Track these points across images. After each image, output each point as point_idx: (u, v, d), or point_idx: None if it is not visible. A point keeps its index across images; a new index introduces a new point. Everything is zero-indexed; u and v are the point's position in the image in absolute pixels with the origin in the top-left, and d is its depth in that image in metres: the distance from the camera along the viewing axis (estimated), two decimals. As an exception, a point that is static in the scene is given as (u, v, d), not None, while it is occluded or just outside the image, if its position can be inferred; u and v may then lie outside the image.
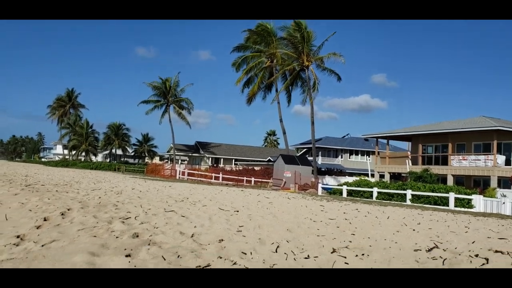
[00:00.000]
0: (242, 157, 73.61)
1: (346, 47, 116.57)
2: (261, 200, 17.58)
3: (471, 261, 6.29)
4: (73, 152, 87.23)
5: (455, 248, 7.32)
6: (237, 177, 44.24)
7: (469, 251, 7.07)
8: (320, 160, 59.21)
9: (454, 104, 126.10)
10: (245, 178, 43.74)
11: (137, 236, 8.09)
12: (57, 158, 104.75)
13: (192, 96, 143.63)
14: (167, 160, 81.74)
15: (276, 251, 7.24)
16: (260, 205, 15.04)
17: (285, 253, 7.08)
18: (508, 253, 6.75)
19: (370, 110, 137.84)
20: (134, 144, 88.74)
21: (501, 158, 32.74)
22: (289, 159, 38.13)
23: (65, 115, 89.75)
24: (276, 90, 45.92)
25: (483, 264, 6.14)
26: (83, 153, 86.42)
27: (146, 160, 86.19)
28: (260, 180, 43.36)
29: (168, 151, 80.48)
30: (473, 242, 7.96)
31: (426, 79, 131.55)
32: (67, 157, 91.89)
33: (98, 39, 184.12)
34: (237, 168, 57.46)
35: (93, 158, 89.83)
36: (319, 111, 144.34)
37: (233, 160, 72.07)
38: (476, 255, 6.63)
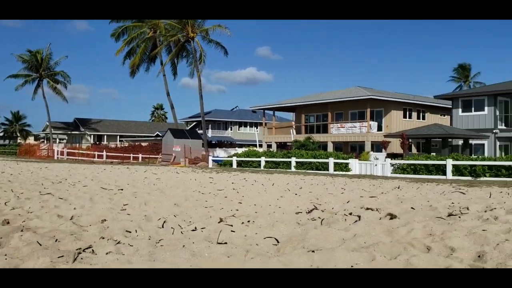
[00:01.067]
0: (128, 133, 70.75)
1: (230, 20, 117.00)
2: (148, 176, 17.09)
3: (345, 219, 6.77)
4: None
5: (332, 208, 7.85)
6: (123, 155, 42.50)
7: (344, 210, 7.62)
8: (210, 133, 59.45)
9: (333, 75, 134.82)
10: (131, 155, 42.19)
11: (8, 222, 7.30)
12: None
13: (69, 69, 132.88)
14: (43, 140, 75.30)
15: (163, 226, 7.08)
16: (147, 181, 14.61)
17: (171, 228, 6.95)
18: (377, 209, 7.41)
19: (256, 83, 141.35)
20: (2, 124, 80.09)
21: (374, 125, 35.93)
22: (178, 133, 37.60)
23: None
24: (161, 63, 44.56)
25: (356, 221, 6.64)
26: None
27: (19, 141, 78.47)
28: (148, 156, 42.19)
29: (43, 130, 74.07)
30: (347, 202, 8.62)
31: (307, 51, 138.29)
32: None
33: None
34: (123, 145, 55.16)
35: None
36: (207, 84, 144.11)
37: (118, 137, 68.96)
38: (350, 213, 7.16)
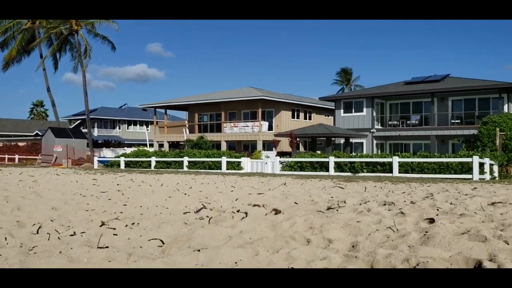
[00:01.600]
0: (3, 132, 64.03)
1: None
2: (23, 179, 15.59)
3: (233, 217, 6.82)
4: None
5: (221, 206, 7.87)
6: (-4, 155, 38.42)
7: (233, 207, 7.68)
8: (96, 132, 56.28)
9: (226, 75, 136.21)
10: (6, 156, 38.30)
11: None
12: None
13: None
14: None
15: (38, 232, 6.48)
16: (21, 184, 13.30)
17: (47, 233, 6.39)
18: (263, 206, 7.59)
19: (147, 80, 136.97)
20: None
21: (265, 124, 37.09)
22: (60, 132, 34.98)
23: None
24: (41, 56, 41.02)
25: (243, 218, 6.73)
26: None
27: None
28: (26, 157, 38.68)
29: None
30: (236, 199, 8.72)
31: (199, 50, 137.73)
32: None
33: None
34: (-3, 145, 49.83)
35: None
36: (93, 80, 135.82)
37: (-9, 136, 62.18)
38: (238, 211, 7.24)
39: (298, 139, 34.84)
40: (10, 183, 13.87)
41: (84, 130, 42.27)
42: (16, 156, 38.58)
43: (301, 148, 38.56)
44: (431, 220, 5.87)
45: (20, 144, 47.85)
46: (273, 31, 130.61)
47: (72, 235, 6.29)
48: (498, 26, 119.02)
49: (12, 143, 49.49)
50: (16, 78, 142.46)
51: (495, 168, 19.57)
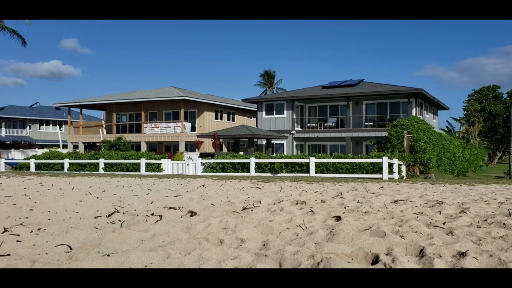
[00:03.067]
0: None
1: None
2: None
3: (147, 220, 6.69)
4: None
5: (135, 210, 7.67)
6: None
7: (147, 211, 7.53)
8: (4, 132, 52.14)
9: (146, 74, 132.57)
10: None
11: None
12: None
13: None
14: None
15: None
16: None
17: None
18: (179, 208, 7.53)
19: (62, 77, 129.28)
20: None
21: (187, 125, 36.72)
22: (-39, 132, 31.95)
23: None
24: None
25: (157, 221, 6.62)
26: None
27: None
28: None
29: None
30: (151, 202, 8.55)
31: (119, 47, 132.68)
32: None
33: None
34: None
35: None
36: (1, 76, 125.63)
37: None
38: (152, 214, 7.12)
39: (221, 140, 34.92)
40: None
41: (-11, 130, 39.01)
42: None
43: (225, 149, 38.70)
44: (338, 218, 6.20)
45: None
46: (198, 30, 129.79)
47: (-33, 244, 5.80)
48: (409, 36, 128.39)
49: None
50: None
51: (403, 168, 21.05)
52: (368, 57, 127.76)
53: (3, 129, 52.23)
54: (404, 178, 20.30)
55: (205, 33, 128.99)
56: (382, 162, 18.44)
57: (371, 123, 34.19)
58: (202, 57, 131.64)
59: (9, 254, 4.99)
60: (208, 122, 38.39)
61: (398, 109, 33.33)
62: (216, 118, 39.56)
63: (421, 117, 31.04)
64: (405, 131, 23.43)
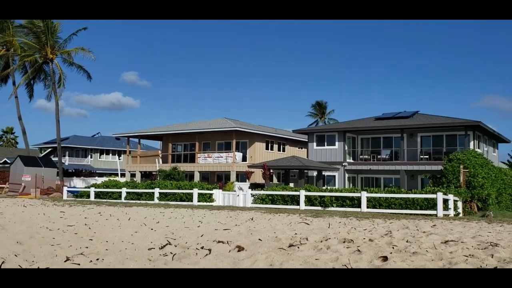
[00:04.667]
0: (-31, 159, 62.19)
1: (97, 42, 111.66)
2: (-12, 210, 15.29)
3: (197, 253, 6.96)
4: None
5: (186, 242, 7.98)
6: (-39, 184, 37.22)
7: (197, 244, 7.81)
8: (67, 160, 55.31)
9: (201, 105, 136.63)
10: (-28, 184, 37.19)
11: None
12: None
13: None
14: None
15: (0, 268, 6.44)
16: (-14, 216, 13.06)
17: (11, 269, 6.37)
18: (227, 242, 7.76)
19: (122, 109, 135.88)
20: None
21: (239, 155, 37.33)
22: (30, 161, 34.33)
23: None
24: (14, 83, 40.59)
25: (207, 254, 6.88)
26: None
27: None
28: (-7, 185, 37.59)
29: None
30: (202, 235, 8.85)
31: (175, 79, 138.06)
32: None
33: None
34: (-38, 173, 48.27)
35: None
36: (66, 107, 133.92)
37: (-43, 163, 60.25)
38: (202, 247, 7.39)
39: (271, 171, 35.14)
40: (-26, 214, 13.59)
41: (55, 159, 41.59)
42: (-17, 184, 37.50)
43: (275, 180, 38.83)
44: (385, 258, 6.17)
45: (-13, 171, 46.54)
46: (250, 63, 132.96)
47: (34, 271, 6.30)
48: (466, 66, 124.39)
49: (-21, 171, 48.10)
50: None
51: (459, 204, 20.22)
52: (422, 90, 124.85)
53: (67, 157, 55.51)
54: (460, 215, 19.48)
55: (258, 63, 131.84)
56: (436, 198, 17.85)
57: (427, 156, 33.16)
58: (254, 87, 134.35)
59: (70, 283, 5.38)
60: (259, 152, 38.85)
61: (455, 142, 32.18)
62: (267, 148, 39.96)
63: (479, 151, 29.79)
64: (461, 166, 22.60)
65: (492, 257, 6.25)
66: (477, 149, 30.03)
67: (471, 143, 30.51)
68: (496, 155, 39.55)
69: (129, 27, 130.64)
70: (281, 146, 42.00)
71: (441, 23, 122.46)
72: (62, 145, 40.65)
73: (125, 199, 25.61)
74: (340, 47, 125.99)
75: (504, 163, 54.17)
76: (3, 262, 6.85)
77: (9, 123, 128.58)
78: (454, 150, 29.89)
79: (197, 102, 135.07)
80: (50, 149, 58.68)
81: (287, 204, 21.74)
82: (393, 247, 7.16)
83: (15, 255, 7.43)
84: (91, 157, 58.82)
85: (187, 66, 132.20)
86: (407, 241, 7.87)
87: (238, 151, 38.00)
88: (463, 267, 5.54)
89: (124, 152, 51.69)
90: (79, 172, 50.23)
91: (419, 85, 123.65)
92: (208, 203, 23.53)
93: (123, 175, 42.27)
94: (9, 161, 50.52)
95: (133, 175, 40.53)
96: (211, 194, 24.67)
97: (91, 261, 6.94)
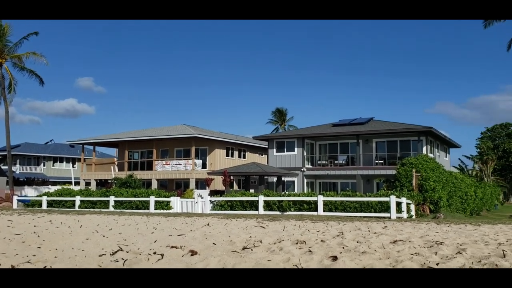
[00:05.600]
0: None
1: (50, 47, 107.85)
2: None
3: (149, 259, 6.85)
4: None
5: (138, 248, 7.84)
6: None
7: (150, 249, 7.69)
8: (18, 169, 53.04)
9: (158, 111, 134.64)
10: None
11: None
12: None
13: None
14: None
15: None
16: None
17: None
18: (181, 247, 7.69)
19: (77, 115, 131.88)
20: None
21: (198, 162, 37.07)
22: (-23, 169, 32.72)
23: None
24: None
25: (159, 259, 6.78)
26: None
27: None
28: None
29: None
30: (155, 241, 8.72)
31: (132, 85, 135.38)
32: None
33: None
34: None
35: None
36: (18, 114, 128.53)
37: None
38: (155, 253, 7.28)
39: (232, 178, 35.10)
40: None
41: (5, 167, 39.81)
42: None
43: (235, 187, 38.79)
44: (334, 258, 6.30)
45: None
46: (208, 67, 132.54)
47: (-26, 281, 6.01)
48: (419, 73, 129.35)
49: None
50: None
51: (412, 207, 20.93)
52: (378, 95, 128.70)
53: (18, 166, 53.22)
54: (413, 217, 20.15)
55: (217, 70, 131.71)
56: (390, 201, 18.40)
57: (382, 161, 34.15)
58: (214, 94, 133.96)
59: (13, 292, 5.17)
60: (219, 159, 38.74)
61: (409, 147, 33.33)
62: (227, 155, 39.93)
63: (432, 155, 30.98)
64: (413, 170, 23.42)
65: (435, 254, 6.51)
66: (429, 154, 31.23)
67: (424, 148, 31.69)
68: (448, 160, 41.26)
69: (83, 31, 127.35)
70: (242, 153, 42.08)
71: (398, 26, 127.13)
72: (12, 153, 38.98)
73: (79, 208, 24.85)
74: (299, 53, 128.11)
75: (455, 167, 56.61)
76: None
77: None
78: (408, 155, 30.95)
79: (155, 108, 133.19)
80: (-1, 157, 56.16)
81: (246, 210, 21.79)
82: (343, 247, 7.32)
83: (-45, 266, 7.05)
84: (44, 165, 56.68)
85: (144, 72, 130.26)
86: (357, 242, 8.07)
87: (198, 158, 37.75)
88: (408, 264, 5.75)
89: (79, 160, 50.21)
90: (31, 181, 48.29)
91: (376, 91, 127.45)
92: (165, 211, 23.20)
93: (77, 183, 40.99)
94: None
95: (88, 184, 39.38)
96: (169, 202, 24.35)
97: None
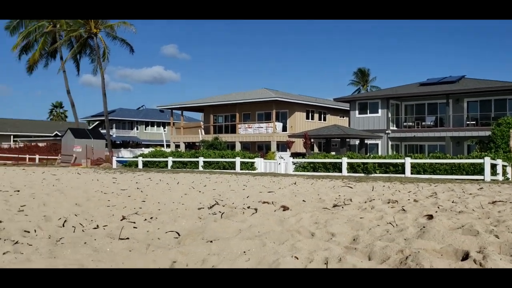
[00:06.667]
0: (23, 132, 65.59)
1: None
2: (46, 177, 16.31)
3: (243, 212, 7.26)
4: None
5: (233, 203, 8.32)
6: (17, 155, 39.50)
7: (244, 204, 8.12)
8: (114, 132, 57.39)
9: (241, 76, 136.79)
10: (27, 156, 39.40)
11: None
12: None
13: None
14: None
15: (63, 226, 6.99)
16: (45, 182, 13.98)
17: (73, 226, 6.90)
18: (272, 203, 8.02)
19: (164, 82, 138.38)
20: None
21: (279, 125, 37.49)
22: (80, 133, 35.92)
23: None
24: (61, 58, 42.11)
25: (253, 213, 7.17)
26: None
27: None
28: (46, 157, 39.69)
29: None
30: (247, 197, 9.17)
31: (215, 51, 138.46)
32: None
33: None
34: (17, 146, 51.19)
35: None
36: (111, 82, 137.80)
37: (12, 137, 63.68)
38: (248, 207, 7.68)
39: (312, 140, 35.12)
40: (34, 181, 14.57)
41: (103, 131, 43.26)
42: (37, 156, 39.61)
43: (316, 149, 38.81)
44: (430, 217, 6.22)
45: (40, 144, 49.02)
46: (290, 31, 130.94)
47: (95, 228, 6.79)
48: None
49: (32, 144, 50.72)
50: (35, 80, 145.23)
51: (509, 169, 19.62)
52: (470, 51, 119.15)
53: (114, 130, 57.60)
54: (510, 179, 18.91)
55: (299, 33, 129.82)
56: (484, 163, 17.40)
57: (473, 122, 32.06)
58: (294, 57, 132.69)
59: (128, 238, 5.80)
60: (299, 122, 38.81)
61: (504, 107, 30.84)
62: (307, 118, 39.83)
63: (532, 115, 28.46)
64: (511, 130, 21.77)
65: (542, 215, 6.17)
66: (529, 113, 28.73)
67: (523, 107, 29.19)
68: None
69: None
70: (322, 115, 41.70)
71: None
72: (109, 118, 42.15)
73: (171, 168, 26.49)
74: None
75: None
76: (65, 221, 7.41)
77: (57, 98, 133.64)
78: (504, 114, 28.72)
79: (237, 73, 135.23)
80: (98, 122, 60.94)
81: (329, 171, 21.82)
82: (438, 207, 7.18)
83: (75, 215, 7.96)
84: (137, 129, 60.75)
85: (227, 38, 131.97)
86: (452, 202, 7.85)
87: (278, 121, 38.10)
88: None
89: (168, 123, 52.98)
90: (126, 144, 52.10)
91: (465, 49, 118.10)
92: (250, 171, 23.99)
93: (168, 145, 43.52)
94: (60, 134, 53.02)
95: (177, 146, 41.64)
96: (253, 163, 25.11)
97: (145, 219, 7.36)
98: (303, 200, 8.36)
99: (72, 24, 38.98)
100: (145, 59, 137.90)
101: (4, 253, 4.91)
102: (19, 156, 39.39)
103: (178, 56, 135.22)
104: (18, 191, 11.31)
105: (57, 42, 40.77)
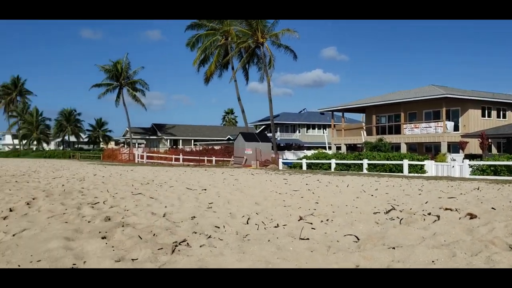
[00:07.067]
0: (201, 137, 73.41)
1: (294, 21, 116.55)
2: (226, 177, 17.94)
3: (424, 219, 6.92)
4: (24, 142, 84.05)
5: (410, 208, 7.98)
6: (198, 158, 44.33)
7: (423, 210, 7.74)
8: (278, 135, 60.16)
9: (404, 74, 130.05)
10: (206, 158, 43.92)
11: (109, 219, 8.15)
12: (7, 149, 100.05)
13: (144, 77, 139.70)
14: (123, 144, 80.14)
15: (247, 223, 7.58)
16: (226, 182, 15.39)
17: (255, 224, 7.45)
18: (456, 210, 7.46)
19: (323, 85, 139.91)
20: (87, 130, 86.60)
21: (450, 125, 34.59)
22: (249, 137, 38.62)
23: (12, 103, 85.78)
24: (233, 68, 45.94)
25: (435, 220, 6.78)
26: (35, 142, 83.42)
27: (101, 146, 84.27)
28: (221, 159, 43.68)
29: (124, 135, 78.82)
30: (426, 203, 8.69)
31: (375, 50, 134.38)
32: (17, 147, 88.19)
33: (40, 24, 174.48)
34: (197, 149, 57.43)
35: (45, 146, 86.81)
36: (274, 88, 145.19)
37: (192, 141, 71.77)
38: (429, 214, 7.29)
39: (490, 140, 31.52)
40: (217, 181, 16.18)
41: (269, 135, 45.73)
42: (213, 158, 43.90)
43: (494, 150, 34.69)
44: None
45: (216, 147, 54.19)
46: (457, 24, 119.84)
47: (275, 226, 7.22)
48: None
49: (209, 147, 56.40)
50: (210, 89, 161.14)
51: None
52: None
53: (278, 133, 60.42)
54: None
55: (468, 28, 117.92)
56: None
57: None
58: (466, 51, 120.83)
59: (308, 239, 6.02)
60: (473, 120, 35.18)
61: None
62: (483, 115, 35.85)
63: None
64: None
65: None
66: None
67: None
68: None
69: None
70: (501, 112, 37.11)
71: None
72: (274, 122, 44.36)
73: (334, 170, 26.63)
74: None
75: None
76: (248, 219, 8.05)
77: (227, 105, 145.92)
78: None
79: (401, 72, 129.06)
80: (263, 126, 64.66)
81: (513, 175, 19.32)
82: None
83: (256, 213, 8.57)
84: (299, 132, 62.69)
85: (384, 37, 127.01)
86: None
87: (449, 120, 35.13)
88: None
89: (329, 126, 53.33)
90: (289, 146, 54.19)
91: None
92: (419, 174, 22.66)
93: (329, 147, 43.85)
94: (232, 138, 57.81)
95: (338, 148, 41.64)
96: (423, 165, 23.68)
97: (321, 221, 7.53)
98: (493, 208, 7.59)
99: (242, 36, 42.15)
100: (305, 63, 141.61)
101: (200, 246, 5.57)
102: (199, 158, 44.16)
103: (337, 58, 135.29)
104: (205, 189, 12.69)
105: (229, 54, 44.59)
